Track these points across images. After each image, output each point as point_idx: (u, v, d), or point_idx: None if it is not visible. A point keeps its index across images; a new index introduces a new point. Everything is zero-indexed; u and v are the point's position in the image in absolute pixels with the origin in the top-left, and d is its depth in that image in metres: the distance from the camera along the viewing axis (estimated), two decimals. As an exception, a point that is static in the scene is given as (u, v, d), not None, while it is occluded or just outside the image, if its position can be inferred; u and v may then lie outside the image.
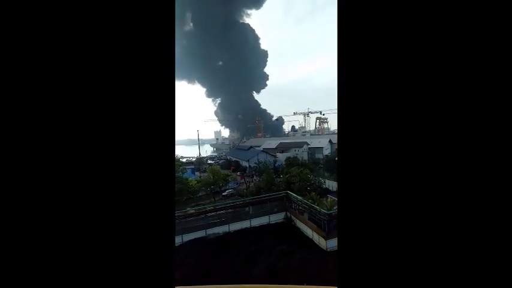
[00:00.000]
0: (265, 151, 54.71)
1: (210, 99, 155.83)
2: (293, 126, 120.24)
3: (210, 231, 17.93)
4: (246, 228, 18.72)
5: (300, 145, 59.13)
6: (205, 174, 34.29)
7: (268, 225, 19.32)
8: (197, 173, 42.73)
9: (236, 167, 52.02)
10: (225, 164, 55.97)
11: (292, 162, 37.48)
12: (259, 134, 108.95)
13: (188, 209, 20.66)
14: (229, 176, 34.36)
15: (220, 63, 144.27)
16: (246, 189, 29.91)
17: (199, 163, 56.53)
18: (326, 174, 34.74)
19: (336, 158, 34.68)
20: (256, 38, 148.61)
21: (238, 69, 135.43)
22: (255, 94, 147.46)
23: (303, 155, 52.05)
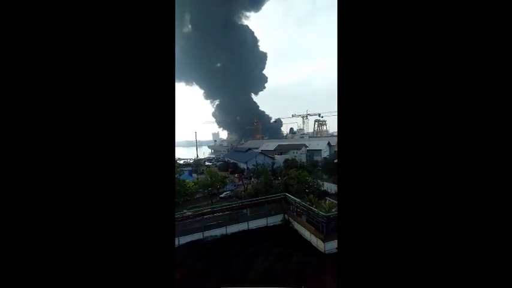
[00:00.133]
0: (264, 153, 54.79)
1: (208, 101, 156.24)
2: (291, 129, 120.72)
3: (208, 233, 17.81)
4: (244, 231, 18.62)
5: (298, 147, 59.26)
6: (203, 176, 34.20)
7: (266, 228, 19.24)
8: (194, 175, 42.64)
9: (234, 168, 51.98)
10: (223, 166, 55.94)
11: (290, 164, 37.49)
12: (258, 136, 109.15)
13: (185, 211, 20.52)
14: (227, 178, 34.28)
15: (219, 64, 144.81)
16: (244, 191, 29.84)
17: (196, 165, 56.45)
18: (324, 176, 34.77)
19: (335, 161, 34.74)
20: (255, 40, 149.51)
21: (236, 71, 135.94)
22: (253, 96, 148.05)
23: (301, 157, 52.13)
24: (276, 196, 21.56)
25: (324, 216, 15.41)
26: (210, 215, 19.05)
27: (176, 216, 17.99)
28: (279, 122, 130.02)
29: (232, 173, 47.98)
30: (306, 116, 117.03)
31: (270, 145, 68.03)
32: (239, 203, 21.68)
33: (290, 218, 19.71)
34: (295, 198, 19.71)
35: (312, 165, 41.88)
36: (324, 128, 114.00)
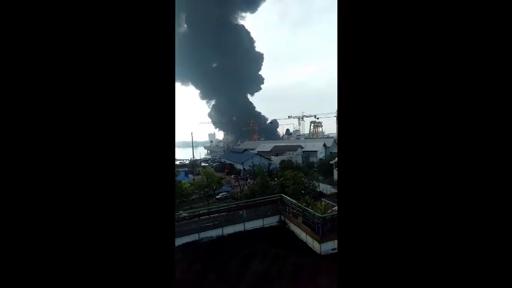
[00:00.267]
0: (260, 154, 54.85)
1: (204, 101, 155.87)
2: (288, 130, 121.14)
3: (203, 234, 17.73)
4: (240, 232, 18.58)
5: (294, 148, 59.46)
6: (199, 177, 34.05)
7: (262, 229, 19.24)
8: (191, 176, 42.47)
9: (230, 169, 51.90)
10: (219, 167, 55.82)
11: (286, 165, 37.59)
12: (254, 137, 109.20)
13: (181, 212, 20.40)
14: (223, 178, 34.21)
15: (215, 64, 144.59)
16: (240, 192, 29.80)
17: (193, 166, 56.21)
18: (320, 177, 34.93)
19: (330, 162, 34.94)
20: (251, 41, 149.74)
21: (232, 71, 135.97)
22: (249, 97, 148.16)
23: (297, 158, 52.32)
24: (272, 197, 21.57)
25: (320, 218, 15.47)
26: (206, 216, 18.97)
27: (172, 217, 17.82)
28: (275, 123, 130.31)
29: (228, 174, 47.88)
30: (302, 118, 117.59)
31: (266, 146, 68.14)
32: (235, 204, 21.63)
33: (286, 219, 19.74)
34: (291, 200, 19.76)
35: (308, 167, 42.06)
36: (320, 129, 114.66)
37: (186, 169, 47.20)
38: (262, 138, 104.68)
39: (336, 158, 33.33)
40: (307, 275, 12.46)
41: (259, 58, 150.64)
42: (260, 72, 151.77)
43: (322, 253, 14.82)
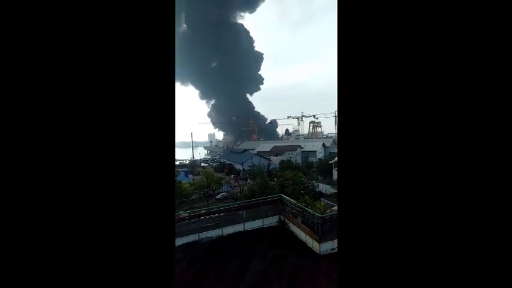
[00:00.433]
0: (259, 154, 54.80)
1: (204, 101, 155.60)
2: (287, 130, 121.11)
3: (203, 234, 17.74)
4: (240, 232, 18.59)
5: (293, 148, 59.43)
6: (199, 177, 34.02)
7: (262, 229, 19.24)
8: (190, 176, 42.44)
9: (230, 170, 51.85)
10: (219, 167, 55.76)
11: (286, 165, 37.59)
12: (253, 137, 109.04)
13: (181, 212, 20.40)
14: (223, 179, 34.19)
15: (214, 64, 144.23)
16: (240, 193, 29.80)
17: (192, 166, 56.15)
18: (319, 177, 34.94)
19: (329, 162, 34.95)
20: (250, 40, 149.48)
21: (232, 71, 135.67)
22: (249, 97, 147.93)
23: (296, 158, 52.29)
24: (271, 197, 21.58)
25: (319, 217, 15.51)
26: (206, 217, 18.98)
27: (172, 217, 17.80)
28: (274, 123, 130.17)
29: (228, 174, 47.85)
30: (301, 118, 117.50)
31: (266, 146, 68.07)
32: (235, 204, 21.64)
33: (286, 219, 19.76)
34: (291, 200, 19.77)
35: (307, 167, 42.06)
36: (319, 129, 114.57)
37: (186, 169, 47.15)
38: (262, 139, 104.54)
39: (335, 158, 33.35)
40: (307, 275, 12.49)
41: (258, 58, 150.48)
42: (259, 72, 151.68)
43: (321, 253, 14.85)
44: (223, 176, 36.80)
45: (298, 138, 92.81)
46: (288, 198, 20.29)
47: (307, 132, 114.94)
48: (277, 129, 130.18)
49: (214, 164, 62.79)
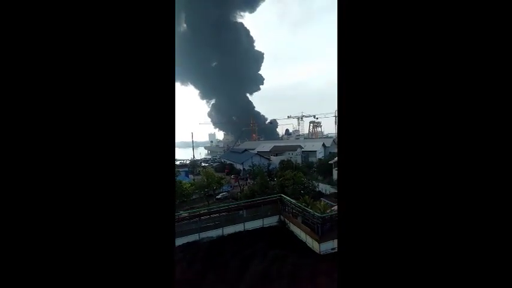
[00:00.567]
0: (259, 154, 54.78)
1: (204, 101, 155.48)
2: (287, 130, 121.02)
3: (204, 234, 17.76)
4: (240, 232, 18.61)
5: (293, 148, 59.39)
6: (199, 177, 34.04)
7: (262, 229, 19.25)
8: (191, 176, 42.44)
9: (230, 169, 51.85)
10: (219, 167, 55.76)
11: (286, 165, 37.59)
12: (254, 137, 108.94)
13: (181, 212, 20.42)
14: (223, 179, 34.19)
15: (214, 64, 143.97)
16: (240, 193, 29.81)
17: (193, 166, 56.15)
18: (319, 177, 34.93)
19: (329, 162, 34.94)
20: (250, 39, 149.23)
21: (232, 70, 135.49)
22: (249, 96, 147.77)
23: (296, 158, 52.27)
24: (271, 197, 21.58)
25: (319, 217, 15.52)
26: (207, 216, 19.00)
27: (172, 217, 17.82)
28: (274, 123, 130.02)
29: (228, 174, 47.84)
30: (301, 118, 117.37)
31: (266, 146, 68.03)
32: (235, 204, 21.65)
33: (286, 219, 19.77)
34: (291, 199, 19.78)
35: (307, 167, 42.04)
36: (319, 129, 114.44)
37: (187, 169, 47.16)
38: (262, 138, 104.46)
39: (335, 158, 33.33)
40: (307, 274, 12.51)
41: (259, 57, 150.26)
42: (259, 72, 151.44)
43: (321, 253, 14.87)
44: (223, 176, 36.79)
45: (298, 138, 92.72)
46: (288, 198, 20.29)
47: (307, 132, 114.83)
48: (278, 129, 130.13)
49: (214, 164, 62.78)
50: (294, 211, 19.07)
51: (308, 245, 16.11)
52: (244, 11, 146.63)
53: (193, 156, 78.17)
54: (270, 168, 42.60)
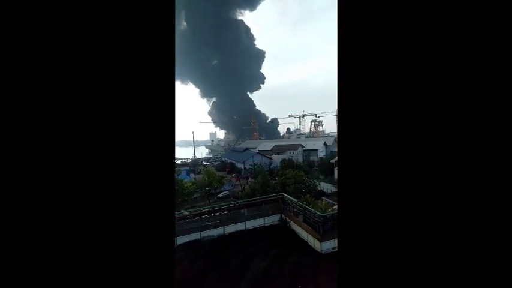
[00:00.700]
0: (261, 153, 54.79)
1: (205, 100, 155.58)
2: (288, 129, 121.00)
3: (205, 233, 17.81)
4: (241, 231, 18.66)
5: (295, 147, 59.36)
6: (200, 176, 34.11)
7: (263, 228, 19.30)
8: (192, 175, 42.53)
9: (231, 168, 51.92)
10: (220, 166, 55.84)
11: (287, 164, 37.61)
12: (255, 136, 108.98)
13: (182, 211, 20.49)
14: (225, 177, 34.26)
15: (215, 62, 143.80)
16: (241, 191, 29.85)
17: (194, 165, 56.24)
18: (321, 176, 34.92)
19: (331, 161, 34.91)
20: (251, 37, 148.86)
21: (232, 69, 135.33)
22: (250, 95, 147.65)
23: (298, 157, 52.26)
24: (273, 196, 21.62)
25: (321, 216, 15.53)
26: (208, 215, 19.05)
27: (173, 216, 17.91)
28: (275, 122, 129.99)
29: (229, 173, 47.92)
30: (303, 116, 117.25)
31: (267, 145, 68.04)
32: (236, 203, 21.69)
33: (287, 218, 19.80)
34: (292, 198, 19.80)
35: (309, 165, 42.04)
36: (320, 128, 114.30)
37: (188, 168, 47.26)
38: (263, 137, 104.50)
39: (337, 157, 33.27)
40: (308, 273, 12.54)
41: (259, 56, 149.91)
42: (260, 71, 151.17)
43: (322, 252, 14.89)
44: (224, 175, 36.84)
45: (299, 137, 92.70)
46: (289, 197, 20.31)
47: (309, 130, 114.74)
48: (279, 128, 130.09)
49: (215, 163, 62.89)
50: (295, 210, 19.08)
51: (309, 244, 16.13)
52: (244, 9, 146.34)
53: (195, 155, 78.34)
54: (271, 167, 42.64)
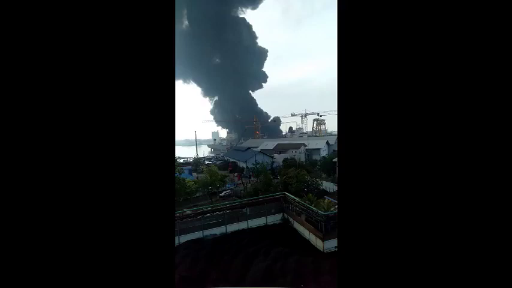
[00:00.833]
0: (263, 152, 54.78)
1: (207, 99, 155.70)
2: (290, 128, 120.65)
3: (208, 232, 17.88)
4: (243, 229, 18.70)
5: (297, 146, 59.28)
6: (203, 174, 34.20)
7: (266, 227, 19.32)
8: (194, 174, 42.65)
9: (233, 167, 51.99)
10: (223, 165, 55.93)
11: (289, 163, 37.61)
12: (257, 135, 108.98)
13: (185, 209, 20.58)
14: (227, 176, 34.34)
15: (217, 61, 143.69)
16: (244, 190, 29.90)
17: (196, 164, 56.42)
18: (323, 175, 34.84)
19: (333, 160, 34.79)
20: (253, 35, 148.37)
21: (234, 67, 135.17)
22: (252, 94, 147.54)
23: (300, 156, 52.17)
24: (275, 195, 21.63)
25: (323, 215, 15.51)
26: (210, 214, 19.12)
27: (176, 215, 18.05)
28: (277, 121, 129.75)
29: (231, 172, 47.99)
30: (305, 115, 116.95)
31: (269, 144, 68.00)
32: (239, 202, 21.74)
33: (289, 217, 19.80)
34: (294, 197, 19.80)
35: (311, 164, 41.95)
36: (323, 127, 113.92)
37: (190, 167, 47.41)
38: (265, 136, 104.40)
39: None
40: (310, 272, 12.53)
41: (261, 54, 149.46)
42: (263, 69, 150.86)
43: (325, 251, 14.88)
44: (227, 174, 36.92)
45: (301, 136, 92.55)
46: (291, 196, 20.31)
47: (311, 130, 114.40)
48: (281, 127, 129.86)
49: (218, 162, 63.00)
50: (297, 209, 19.08)
51: (312, 243, 16.12)
52: (246, 7, 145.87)
53: (197, 154, 78.62)
54: (274, 166, 42.64)
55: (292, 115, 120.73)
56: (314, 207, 17.14)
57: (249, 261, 13.73)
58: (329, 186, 29.88)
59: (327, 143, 60.90)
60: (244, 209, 19.99)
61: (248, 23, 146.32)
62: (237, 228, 18.68)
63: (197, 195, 29.56)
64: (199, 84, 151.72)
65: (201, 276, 12.82)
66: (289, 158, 45.01)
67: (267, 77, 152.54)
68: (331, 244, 15.05)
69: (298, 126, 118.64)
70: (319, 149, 57.17)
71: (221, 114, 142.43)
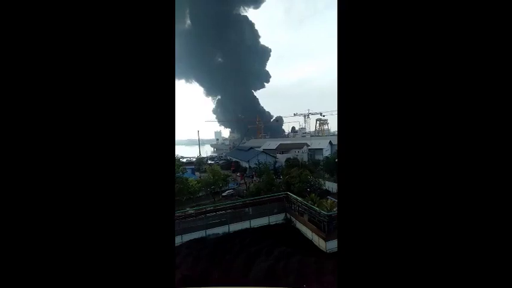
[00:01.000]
0: (265, 152, 54.73)
1: (209, 98, 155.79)
2: (293, 127, 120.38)
3: (210, 231, 17.93)
4: (246, 229, 18.72)
5: (300, 146, 59.14)
6: (205, 174, 34.30)
7: (268, 226, 19.32)
8: (197, 173, 42.75)
9: (236, 167, 52.04)
10: (225, 165, 56.00)
11: (292, 163, 37.58)
12: (259, 135, 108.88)
13: (188, 209, 20.66)
14: (229, 176, 34.40)
15: (220, 60, 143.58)
16: (246, 190, 29.92)
17: (199, 163, 56.56)
18: (326, 175, 34.75)
19: (336, 160, 34.67)
20: (255, 34, 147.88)
21: (237, 67, 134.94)
22: (254, 93, 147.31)
23: (302, 156, 52.06)
24: (277, 195, 21.63)
25: (326, 215, 15.48)
26: (213, 214, 19.17)
27: (179, 214, 18.15)
28: (280, 121, 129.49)
29: (234, 171, 48.04)
30: (308, 115, 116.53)
31: (272, 144, 67.91)
32: (241, 201, 21.77)
33: (292, 217, 19.78)
34: (297, 197, 19.77)
35: (314, 164, 41.85)
36: (326, 127, 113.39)
37: (193, 166, 47.53)
38: (268, 136, 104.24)
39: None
40: (313, 272, 12.52)
41: (264, 53, 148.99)
42: (265, 69, 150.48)
43: (328, 251, 14.85)
44: (229, 174, 36.96)
45: (304, 135, 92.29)
46: (294, 196, 20.29)
47: (314, 129, 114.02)
48: (284, 127, 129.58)
49: (220, 162, 63.08)
50: (300, 209, 19.06)
51: (314, 243, 16.09)
52: (248, 6, 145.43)
53: (200, 154, 78.83)
54: (276, 166, 42.62)
55: (294, 115, 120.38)
56: (317, 207, 17.10)
57: (251, 261, 13.74)
58: (332, 186, 29.78)
59: (330, 143, 60.63)
60: (246, 209, 20.00)
61: (250, 21, 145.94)
62: (239, 228, 18.70)
63: (200, 194, 29.65)
64: (201, 83, 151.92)
65: (204, 275, 12.86)
66: (291, 158, 44.95)
67: (270, 76, 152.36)
68: (334, 244, 15.00)
69: (301, 126, 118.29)
70: (322, 149, 56.96)
71: (224, 114, 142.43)
